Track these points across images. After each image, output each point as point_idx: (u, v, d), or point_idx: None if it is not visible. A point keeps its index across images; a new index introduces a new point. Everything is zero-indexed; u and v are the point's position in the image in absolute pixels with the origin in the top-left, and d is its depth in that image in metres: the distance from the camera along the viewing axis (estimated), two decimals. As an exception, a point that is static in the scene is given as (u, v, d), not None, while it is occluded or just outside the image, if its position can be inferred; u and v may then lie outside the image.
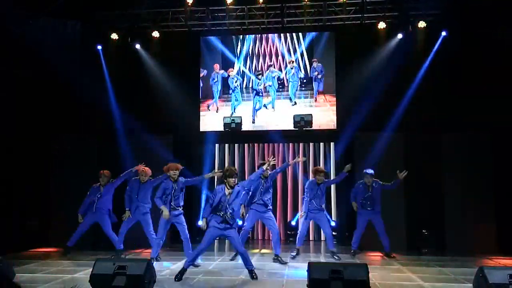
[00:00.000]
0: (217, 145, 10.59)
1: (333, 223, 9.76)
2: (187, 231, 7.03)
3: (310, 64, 10.22)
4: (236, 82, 10.37)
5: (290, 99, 10.23)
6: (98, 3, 9.79)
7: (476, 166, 8.73)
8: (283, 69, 10.33)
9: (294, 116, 10.08)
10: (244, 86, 10.42)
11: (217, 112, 10.40)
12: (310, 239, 10.09)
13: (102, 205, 7.80)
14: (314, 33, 10.26)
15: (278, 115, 10.24)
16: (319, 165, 9.96)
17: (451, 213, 8.75)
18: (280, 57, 10.38)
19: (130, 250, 8.04)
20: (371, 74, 9.62)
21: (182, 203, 7.10)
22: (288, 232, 10.00)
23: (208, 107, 10.44)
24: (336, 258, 7.50)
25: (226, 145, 10.66)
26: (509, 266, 6.93)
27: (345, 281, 4.68)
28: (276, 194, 10.22)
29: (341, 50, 10.09)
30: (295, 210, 10.15)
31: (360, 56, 9.84)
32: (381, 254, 8.10)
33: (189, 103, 10.35)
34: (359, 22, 9.90)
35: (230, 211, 5.97)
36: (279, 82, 10.31)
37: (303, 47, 10.32)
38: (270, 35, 10.45)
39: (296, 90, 10.22)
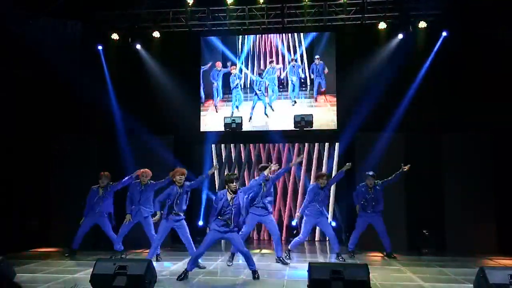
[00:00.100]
0: (217, 145, 10.59)
1: (333, 223, 9.77)
2: (188, 235, 6.97)
3: (311, 63, 10.20)
4: (236, 81, 10.36)
5: (294, 101, 10.21)
6: (98, 3, 9.78)
7: (476, 166, 8.73)
8: (284, 69, 10.33)
9: (294, 116, 10.08)
10: (243, 86, 10.41)
11: (216, 112, 10.39)
12: (316, 239, 10.10)
13: (103, 209, 7.81)
14: (314, 33, 10.27)
15: (278, 115, 10.23)
16: (319, 165, 10.03)
17: (451, 213, 8.74)
18: (280, 57, 10.38)
19: (131, 250, 8.03)
20: (372, 74, 9.64)
21: (185, 208, 7.05)
22: (289, 232, 10.00)
23: (215, 107, 10.42)
24: (341, 259, 7.47)
25: (227, 145, 10.66)
26: (509, 266, 6.91)
27: (346, 282, 4.68)
28: (277, 194, 10.22)
29: (341, 50, 10.10)
30: (295, 210, 10.14)
31: (361, 56, 9.85)
32: (381, 255, 8.09)
33: (190, 103, 10.36)
34: (359, 22, 9.90)
35: (232, 215, 5.97)
36: (279, 82, 10.31)
37: (303, 47, 10.32)
38: (270, 35, 10.45)
39: (299, 90, 10.21)
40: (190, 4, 9.78)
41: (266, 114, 10.24)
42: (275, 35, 10.43)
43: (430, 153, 8.94)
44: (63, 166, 9.38)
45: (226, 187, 6.12)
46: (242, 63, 10.45)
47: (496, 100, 8.44)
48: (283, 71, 10.34)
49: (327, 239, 9.61)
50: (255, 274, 6.07)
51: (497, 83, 8.54)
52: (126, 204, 7.51)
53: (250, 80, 10.41)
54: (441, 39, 9.40)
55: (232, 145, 10.64)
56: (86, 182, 8.12)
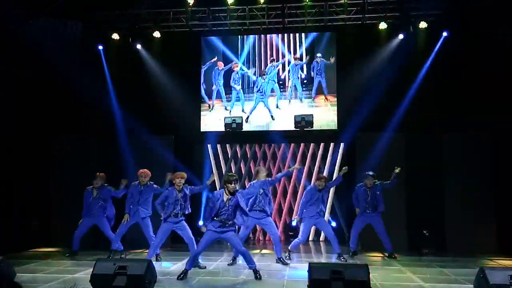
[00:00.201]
0: (218, 145, 10.58)
1: (333, 224, 9.77)
2: (190, 234, 6.97)
3: (311, 63, 10.19)
4: (237, 80, 10.34)
5: (300, 100, 10.20)
6: (98, 3, 9.78)
7: (476, 166, 8.73)
8: (285, 69, 10.32)
9: (295, 116, 10.08)
10: (244, 85, 10.40)
11: (211, 110, 10.37)
12: (316, 239, 10.10)
13: (100, 211, 7.85)
14: (315, 33, 10.26)
15: (278, 115, 10.23)
16: (320, 165, 10.08)
17: (451, 213, 8.74)
18: (280, 56, 10.36)
19: (130, 250, 8.03)
20: (372, 74, 9.63)
21: (187, 212, 7.05)
22: (290, 233, 10.00)
23: (210, 106, 10.41)
24: (343, 259, 7.46)
25: (227, 145, 10.65)
26: (509, 266, 6.91)
27: (346, 282, 4.67)
28: (276, 195, 10.22)
29: (342, 50, 10.10)
30: (295, 211, 10.13)
31: (361, 57, 9.85)
32: (381, 255, 8.09)
33: (190, 103, 10.35)
34: (360, 22, 9.89)
35: (228, 216, 5.96)
36: (279, 82, 10.30)
37: (304, 47, 10.31)
38: (271, 35, 10.43)
39: (302, 90, 10.20)
40: (190, 4, 9.78)
41: (272, 117, 10.20)
42: (275, 35, 10.42)
43: (431, 153, 8.93)
44: (63, 166, 9.38)
45: (224, 188, 6.11)
46: (243, 63, 10.44)
47: (496, 100, 8.43)
48: (283, 71, 10.32)
49: (325, 238, 9.66)
50: (256, 274, 6.06)
51: (497, 83, 8.53)
52: (125, 205, 7.51)
53: (251, 81, 10.40)
54: (441, 39, 9.40)
55: (231, 144, 10.62)
56: (86, 182, 8.10)
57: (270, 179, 7.32)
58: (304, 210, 7.54)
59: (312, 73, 10.19)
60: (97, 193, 7.86)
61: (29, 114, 9.08)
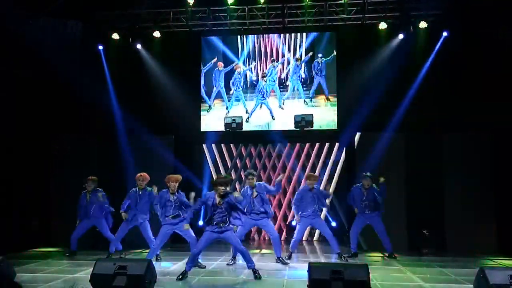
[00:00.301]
0: (218, 145, 10.57)
1: (334, 224, 9.76)
2: (192, 233, 6.99)
3: (311, 63, 10.19)
4: (239, 81, 10.34)
5: (304, 100, 10.19)
6: (98, 3, 9.77)
7: (476, 166, 8.73)
8: (285, 69, 10.32)
9: (295, 116, 10.08)
10: (244, 86, 10.40)
11: (209, 110, 10.37)
12: (314, 239, 10.10)
13: (97, 213, 7.89)
14: (315, 33, 10.26)
15: (279, 115, 10.22)
16: (320, 166, 10.07)
17: (451, 213, 8.73)
18: (280, 56, 10.36)
19: (130, 250, 8.02)
20: (372, 74, 9.63)
21: (182, 215, 7.02)
22: (289, 233, 9.98)
23: (209, 105, 10.42)
24: (343, 259, 7.45)
25: (227, 145, 10.64)
26: (509, 266, 6.90)
27: (346, 282, 4.68)
28: (277, 195, 10.20)
29: (342, 50, 10.10)
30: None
31: (361, 57, 9.85)
32: (381, 255, 8.09)
33: (190, 103, 10.35)
34: (360, 22, 9.89)
35: (223, 218, 5.99)
36: (279, 82, 10.30)
37: (304, 47, 10.31)
38: (271, 35, 10.43)
39: (303, 90, 10.20)
40: (190, 4, 9.78)
41: (273, 117, 10.20)
42: (275, 35, 10.42)
43: (431, 153, 8.93)
44: (63, 166, 9.39)
45: (215, 189, 6.08)
46: (244, 63, 10.43)
47: (496, 100, 8.43)
48: (283, 71, 10.32)
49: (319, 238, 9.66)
50: (256, 273, 6.07)
51: (497, 83, 8.53)
52: (123, 202, 7.47)
53: (251, 81, 10.40)
54: (441, 39, 9.39)
55: (231, 144, 10.61)
56: (86, 182, 8.10)
57: (268, 185, 7.35)
58: (301, 210, 7.54)
59: (312, 73, 10.18)
60: (90, 196, 7.90)
61: (29, 114, 9.08)
